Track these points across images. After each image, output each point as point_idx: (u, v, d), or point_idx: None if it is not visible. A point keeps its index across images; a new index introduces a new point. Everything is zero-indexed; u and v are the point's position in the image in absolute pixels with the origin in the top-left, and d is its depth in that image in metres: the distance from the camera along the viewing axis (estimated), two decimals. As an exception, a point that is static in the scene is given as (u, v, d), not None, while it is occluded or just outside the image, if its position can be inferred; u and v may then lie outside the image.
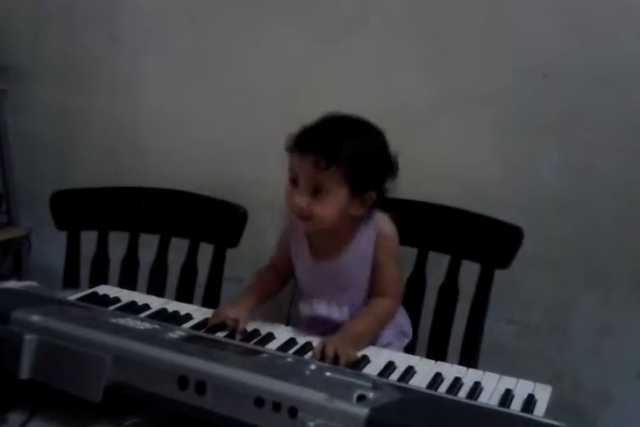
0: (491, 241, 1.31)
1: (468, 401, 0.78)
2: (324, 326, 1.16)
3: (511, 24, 1.39)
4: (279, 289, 1.25)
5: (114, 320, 0.94)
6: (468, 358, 1.29)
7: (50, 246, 2.06)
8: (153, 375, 0.80)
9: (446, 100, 1.46)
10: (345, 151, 1.06)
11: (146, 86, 1.82)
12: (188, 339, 0.91)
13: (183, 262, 1.43)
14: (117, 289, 1.26)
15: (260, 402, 0.74)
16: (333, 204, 1.08)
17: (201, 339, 0.93)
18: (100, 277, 1.48)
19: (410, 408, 0.70)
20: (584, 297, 1.45)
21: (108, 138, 1.89)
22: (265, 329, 1.10)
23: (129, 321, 0.94)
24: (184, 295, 1.42)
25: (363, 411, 0.67)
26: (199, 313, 1.13)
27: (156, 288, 1.44)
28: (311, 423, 0.68)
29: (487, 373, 0.94)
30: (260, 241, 1.61)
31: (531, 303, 1.50)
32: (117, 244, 1.52)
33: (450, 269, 1.35)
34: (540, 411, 0.82)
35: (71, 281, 1.50)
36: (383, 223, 1.15)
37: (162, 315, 1.12)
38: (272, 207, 1.71)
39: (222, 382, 0.76)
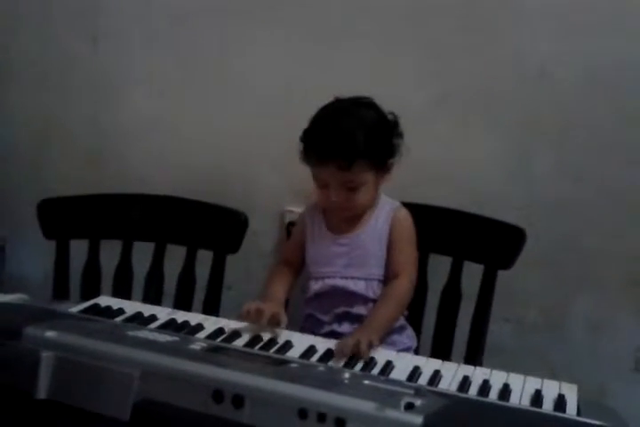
0: (493, 242, 1.32)
1: (513, 405, 0.79)
2: (340, 299, 1.17)
3: (507, 26, 1.40)
4: (295, 282, 1.26)
5: (132, 333, 0.90)
6: (474, 359, 1.30)
7: (25, 256, 1.99)
8: (185, 390, 0.77)
9: (442, 101, 1.47)
10: (359, 144, 1.10)
11: (128, 89, 1.76)
12: (212, 350, 0.88)
13: (181, 270, 1.40)
14: (118, 300, 1.21)
15: (303, 414, 0.72)
16: (368, 190, 1.15)
17: (224, 349, 0.91)
18: (92, 287, 1.43)
19: (460, 415, 0.70)
20: (579, 296, 1.47)
21: (89, 143, 1.83)
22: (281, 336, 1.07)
23: (147, 333, 0.91)
24: (182, 304, 1.38)
25: (416, 419, 0.66)
26: (209, 322, 1.10)
27: (153, 298, 1.40)
28: (364, 434, 0.67)
29: (512, 374, 0.94)
30: (250, 246, 1.58)
31: (527, 302, 1.52)
32: (107, 253, 1.48)
33: (452, 271, 1.36)
34: (572, 410, 0.83)
35: (61, 292, 1.45)
36: (399, 210, 1.22)
37: (172, 326, 1.08)
38: (263, 211, 1.69)
39: (261, 395, 0.74)
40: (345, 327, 1.18)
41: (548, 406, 0.84)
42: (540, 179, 1.45)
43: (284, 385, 0.74)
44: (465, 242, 1.34)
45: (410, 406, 0.69)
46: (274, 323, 1.05)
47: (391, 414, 0.68)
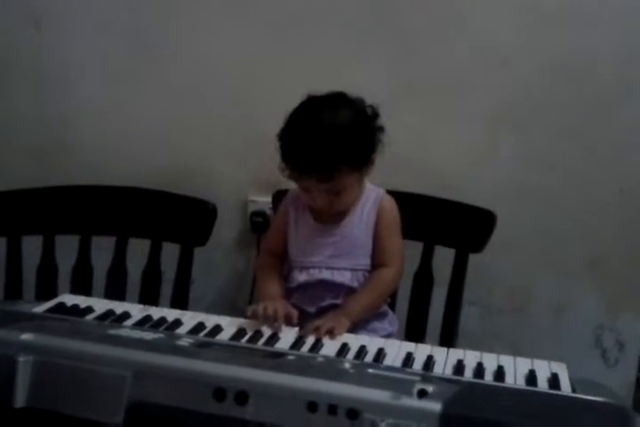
0: (464, 226, 1.33)
1: (520, 387, 0.79)
2: (326, 291, 1.15)
3: (470, 14, 1.41)
4: (283, 272, 1.22)
5: (113, 332, 0.85)
6: (448, 343, 1.30)
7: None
8: (183, 389, 0.74)
9: (407, 90, 1.46)
10: (339, 155, 1.06)
11: (76, 78, 1.65)
12: (202, 345, 0.85)
13: (145, 265, 1.34)
14: (84, 298, 1.13)
15: (313, 407, 0.70)
16: (352, 191, 1.13)
17: (214, 345, 0.87)
18: (48, 286, 1.35)
19: (476, 400, 0.69)
20: (542, 278, 1.51)
21: (34, 136, 1.70)
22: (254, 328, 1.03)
23: (129, 331, 0.87)
24: (148, 301, 1.32)
25: (435, 406, 0.65)
26: (187, 318, 1.04)
27: (116, 295, 1.33)
28: (382, 424, 0.65)
29: (501, 355, 0.95)
30: (211, 237, 1.53)
31: (492, 286, 1.54)
32: (62, 249, 1.40)
33: (424, 255, 1.36)
34: (567, 388, 0.84)
35: (13, 292, 1.35)
36: (385, 198, 1.20)
37: (148, 322, 1.02)
38: (224, 201, 1.63)
39: (267, 389, 0.71)
40: None
41: (543, 385, 0.85)
42: (506, 165, 1.47)
43: (290, 378, 0.72)
44: (436, 227, 1.34)
45: (423, 393, 0.68)
46: (288, 321, 1.03)
47: (407, 402, 0.66)
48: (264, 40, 1.54)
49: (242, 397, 0.72)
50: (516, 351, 1.51)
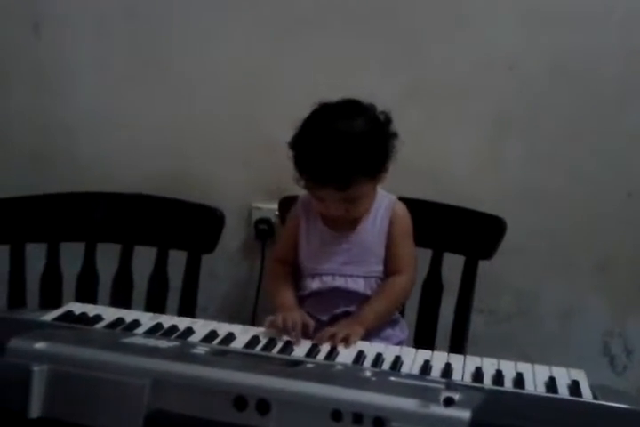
0: (473, 233, 1.32)
1: (546, 394, 0.78)
2: (339, 299, 1.13)
3: (477, 17, 1.41)
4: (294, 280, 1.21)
5: (128, 340, 0.83)
6: (458, 350, 1.29)
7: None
8: (202, 398, 0.72)
9: (412, 93, 1.46)
10: (355, 165, 1.05)
11: (75, 82, 1.64)
12: (219, 354, 0.83)
13: (152, 272, 1.32)
14: (92, 306, 1.12)
15: (337, 416, 0.68)
16: (367, 199, 1.12)
17: (231, 353, 0.86)
18: (52, 294, 1.32)
19: (503, 408, 0.68)
20: (550, 283, 1.51)
21: (31, 141, 1.68)
22: (267, 336, 1.02)
23: (144, 340, 0.85)
24: (155, 309, 1.30)
25: (464, 414, 0.64)
26: (198, 326, 1.03)
27: (121, 303, 1.31)
28: (411, 433, 0.64)
29: (519, 363, 0.94)
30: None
31: (499, 292, 1.54)
32: (67, 256, 1.38)
33: (432, 262, 1.35)
34: (588, 395, 0.84)
35: (17, 301, 1.33)
36: (397, 204, 1.19)
37: (160, 331, 1.01)
38: (228, 208, 1.60)
39: (290, 398, 0.70)
40: None
41: (563, 391, 0.84)
42: (512, 169, 1.47)
43: (313, 386, 0.70)
44: (445, 234, 1.33)
45: (450, 402, 0.67)
46: (304, 332, 1.02)
47: (436, 410, 0.65)
48: (267, 44, 1.53)
49: (263, 405, 0.70)
50: (523, 358, 1.51)
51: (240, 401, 0.71)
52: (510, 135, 1.46)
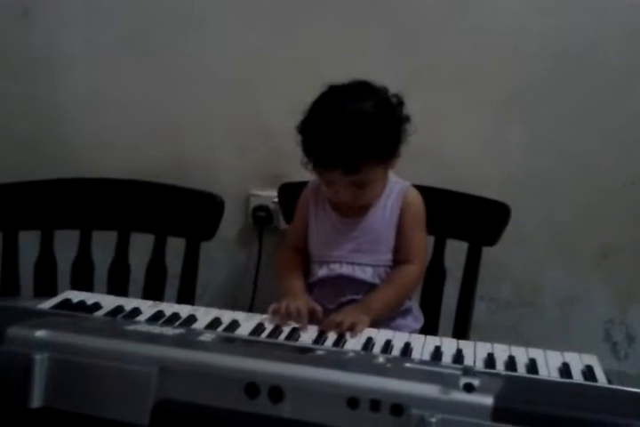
0: (477, 219, 1.30)
1: (565, 380, 0.76)
2: (346, 287, 1.11)
3: (480, 1, 1.38)
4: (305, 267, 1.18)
5: (132, 328, 0.80)
6: (462, 336, 1.27)
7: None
8: (212, 386, 0.69)
9: (415, 78, 1.43)
10: (365, 147, 1.02)
11: (67, 67, 1.60)
12: (226, 341, 0.80)
13: (149, 260, 1.29)
14: (90, 294, 1.08)
15: (353, 403, 0.66)
16: (377, 185, 1.09)
17: (238, 340, 0.83)
18: (47, 282, 1.29)
19: (522, 393, 0.66)
20: (552, 271, 1.49)
21: (24, 126, 1.64)
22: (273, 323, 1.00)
23: (148, 327, 0.81)
24: (152, 297, 1.26)
25: (487, 400, 0.62)
26: (200, 313, 1.00)
27: (118, 291, 1.28)
28: (432, 420, 0.61)
29: (530, 348, 0.93)
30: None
31: (501, 280, 1.52)
32: (62, 244, 1.34)
33: (435, 249, 1.33)
34: (603, 380, 0.82)
35: (11, 289, 1.30)
36: (410, 191, 1.16)
37: (161, 318, 0.97)
38: (226, 195, 1.57)
39: (304, 385, 0.67)
40: None
41: (578, 377, 0.83)
42: (515, 155, 1.45)
43: (328, 372, 0.68)
44: (449, 220, 1.31)
45: (470, 388, 0.65)
46: (312, 317, 0.99)
47: (458, 396, 0.63)
48: (266, 30, 1.49)
49: (276, 393, 0.68)
50: (525, 346, 1.50)
51: (252, 389, 0.68)
52: (514, 120, 1.44)
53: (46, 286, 1.28)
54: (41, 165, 1.62)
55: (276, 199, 1.51)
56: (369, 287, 1.11)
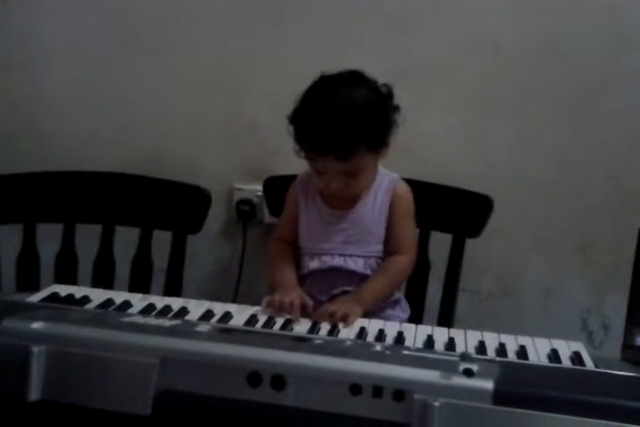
0: (461, 211, 1.33)
1: (558, 365, 0.79)
2: (338, 278, 1.12)
3: (464, 0, 1.40)
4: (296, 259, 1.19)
5: (128, 320, 0.80)
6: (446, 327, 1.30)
7: None
8: (214, 376, 0.70)
9: (400, 75, 1.41)
10: (356, 134, 1.04)
11: (47, 59, 1.56)
12: (224, 331, 0.81)
13: (135, 254, 1.28)
14: (77, 287, 1.07)
15: (356, 389, 0.67)
16: (367, 174, 1.10)
17: (235, 330, 0.83)
18: (29, 276, 1.27)
19: (520, 377, 0.68)
20: (532, 263, 1.52)
21: (3, 119, 1.61)
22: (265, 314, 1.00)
23: (144, 319, 0.82)
24: (138, 292, 1.25)
25: (487, 385, 0.64)
26: (192, 305, 1.00)
27: (103, 286, 1.27)
28: (435, 404, 0.63)
29: (519, 336, 0.95)
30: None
31: (482, 271, 1.55)
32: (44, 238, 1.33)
33: (420, 241, 1.34)
34: (590, 365, 0.85)
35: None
36: (399, 183, 1.17)
37: (154, 311, 0.97)
38: (208, 189, 1.58)
39: (306, 373, 0.68)
40: None
41: (566, 362, 0.85)
42: (495, 150, 1.47)
43: (329, 360, 0.69)
44: (432, 212, 1.33)
45: (470, 373, 0.66)
46: (303, 311, 1.00)
47: (459, 381, 0.64)
48: (251, 26, 1.49)
49: (278, 381, 0.68)
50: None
51: (254, 377, 0.69)
52: (496, 117, 1.46)
53: (29, 281, 1.26)
54: (22, 159, 1.59)
55: (260, 193, 1.52)
56: (360, 278, 1.12)
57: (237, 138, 1.56)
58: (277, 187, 1.40)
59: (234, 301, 1.61)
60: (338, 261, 1.12)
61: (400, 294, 1.22)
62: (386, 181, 1.15)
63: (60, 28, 1.54)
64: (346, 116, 1.02)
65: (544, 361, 0.86)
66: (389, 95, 1.11)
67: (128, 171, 1.40)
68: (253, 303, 1.07)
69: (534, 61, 1.41)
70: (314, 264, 1.12)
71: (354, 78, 1.09)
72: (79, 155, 1.56)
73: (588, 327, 1.55)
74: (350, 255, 1.12)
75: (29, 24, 1.55)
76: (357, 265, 1.12)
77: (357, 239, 1.13)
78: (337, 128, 1.01)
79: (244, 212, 1.57)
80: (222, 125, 1.54)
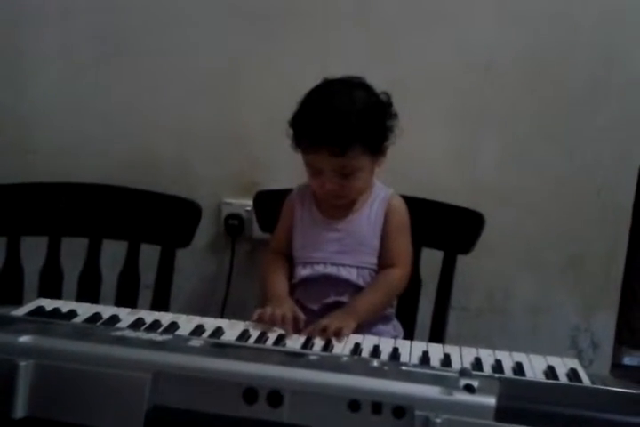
0: (453, 228, 1.32)
1: (557, 382, 0.78)
2: (330, 287, 1.11)
3: (454, 17, 1.42)
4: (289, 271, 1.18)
5: (119, 334, 0.78)
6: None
7: None
8: (209, 392, 0.68)
9: (390, 89, 1.43)
10: (352, 128, 1.05)
11: (33, 67, 1.55)
12: (217, 346, 0.79)
13: (122, 268, 1.25)
14: (63, 301, 1.04)
15: (355, 405, 0.65)
16: (363, 176, 1.10)
17: (229, 346, 0.81)
18: (12, 290, 1.24)
19: (521, 393, 0.67)
20: (520, 280, 1.52)
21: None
22: (257, 330, 0.97)
23: (135, 333, 0.79)
24: (125, 306, 1.23)
25: (489, 401, 0.63)
26: (182, 320, 0.98)
27: (89, 300, 1.23)
28: (437, 420, 0.61)
29: (513, 352, 0.94)
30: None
31: (470, 289, 1.54)
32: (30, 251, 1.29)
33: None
34: (587, 382, 0.84)
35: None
36: (394, 198, 1.18)
37: (142, 325, 0.94)
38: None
39: (304, 389, 0.66)
40: None
41: (563, 379, 0.84)
42: (485, 167, 1.48)
43: (327, 375, 0.67)
44: (423, 229, 1.32)
45: (471, 389, 0.65)
46: (295, 325, 0.98)
47: (461, 397, 0.63)
48: (242, 39, 1.49)
49: (275, 397, 0.67)
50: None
51: (250, 393, 0.67)
52: (485, 132, 1.47)
53: (12, 295, 1.23)
54: (7, 170, 1.55)
55: (250, 208, 1.51)
56: (353, 289, 1.11)
57: (227, 152, 1.55)
58: (267, 201, 1.39)
59: (221, 316, 1.59)
60: (331, 270, 1.11)
61: (392, 311, 1.21)
62: (381, 196, 1.16)
63: (48, 38, 1.53)
64: (343, 113, 1.05)
65: (541, 378, 0.85)
66: (388, 102, 1.12)
67: (115, 183, 1.39)
68: (241, 319, 1.05)
69: (524, 78, 1.43)
70: (306, 271, 1.12)
71: (355, 82, 1.12)
72: (65, 166, 1.54)
73: (578, 346, 1.55)
74: (343, 265, 1.11)
75: (17, 34, 1.53)
76: (351, 275, 1.11)
77: (351, 249, 1.12)
78: (333, 123, 1.04)
79: (233, 226, 1.55)
80: (212, 139, 1.53)
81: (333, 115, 1.04)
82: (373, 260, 1.13)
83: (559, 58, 1.40)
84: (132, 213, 1.27)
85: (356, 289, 1.11)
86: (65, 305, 1.01)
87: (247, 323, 0.99)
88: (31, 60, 1.55)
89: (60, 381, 0.69)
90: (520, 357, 0.92)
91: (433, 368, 0.75)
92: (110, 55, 1.51)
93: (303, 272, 1.12)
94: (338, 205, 1.13)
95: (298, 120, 1.08)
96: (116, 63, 1.51)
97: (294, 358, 0.75)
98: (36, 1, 1.51)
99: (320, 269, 1.11)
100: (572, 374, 0.86)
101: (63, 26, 1.51)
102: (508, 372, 0.86)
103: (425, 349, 0.92)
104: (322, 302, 1.11)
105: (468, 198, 1.46)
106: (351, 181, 1.08)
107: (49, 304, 1.01)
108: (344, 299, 1.11)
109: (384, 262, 1.13)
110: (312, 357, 0.77)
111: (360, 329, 1.04)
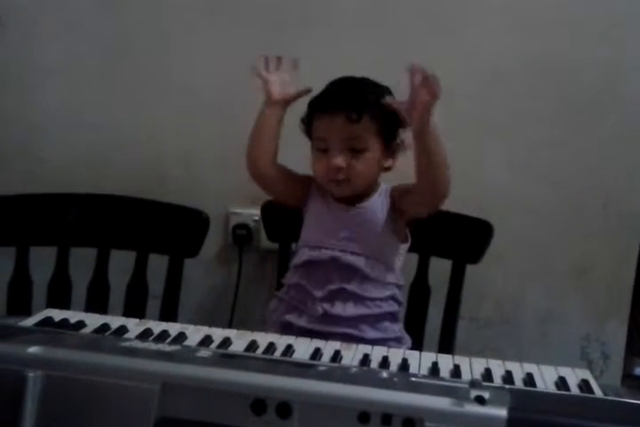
0: (461, 237, 1.32)
1: (569, 393, 0.77)
2: (337, 272, 1.11)
3: (462, 24, 1.42)
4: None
5: (127, 344, 0.78)
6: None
7: None
8: (217, 403, 0.67)
9: (395, 97, 1.45)
10: (371, 101, 1.09)
11: (40, 80, 1.56)
12: (226, 357, 0.78)
13: (130, 278, 1.25)
14: (71, 312, 1.04)
15: (364, 417, 0.65)
16: (370, 160, 1.11)
17: (238, 357, 0.81)
18: (21, 301, 1.24)
19: (532, 405, 0.66)
20: (530, 289, 1.52)
21: (-3, 141, 1.60)
22: (266, 340, 0.97)
23: (144, 344, 0.79)
24: (133, 317, 1.23)
25: (501, 412, 0.62)
26: (190, 331, 0.98)
27: (97, 311, 1.24)
28: (448, 432, 0.61)
29: (524, 363, 0.93)
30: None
31: (480, 298, 1.53)
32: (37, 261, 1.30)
33: (419, 267, 1.34)
34: (599, 393, 0.83)
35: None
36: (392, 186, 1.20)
37: (151, 336, 0.94)
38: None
39: (313, 400, 0.66)
40: (337, 309, 1.10)
41: (575, 390, 0.83)
42: (492, 176, 1.48)
43: (338, 387, 0.66)
44: (432, 238, 1.32)
45: (482, 400, 0.64)
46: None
47: (472, 408, 0.62)
48: (250, 46, 1.49)
49: (284, 409, 0.66)
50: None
51: (259, 405, 0.66)
52: (492, 140, 1.47)
53: (20, 306, 1.24)
54: (16, 181, 1.57)
55: (257, 217, 1.51)
56: (361, 277, 1.10)
57: (234, 161, 1.53)
58: (275, 211, 1.39)
59: (229, 326, 1.59)
60: (339, 255, 1.10)
61: (399, 309, 1.20)
62: (384, 191, 1.18)
63: (55, 50, 1.55)
64: (360, 85, 1.12)
65: (552, 389, 0.84)
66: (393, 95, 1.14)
67: (123, 193, 1.39)
68: (249, 329, 1.04)
69: (532, 87, 1.43)
70: (313, 253, 1.11)
71: (367, 78, 1.16)
72: (74, 177, 1.55)
73: (588, 356, 1.53)
74: (352, 252, 1.11)
75: (26, 46, 1.55)
76: (359, 262, 1.10)
77: (361, 238, 1.12)
78: (351, 90, 1.11)
79: (241, 236, 1.55)
80: (219, 149, 1.54)
81: (351, 85, 1.13)
82: (380, 252, 1.13)
83: (566, 65, 1.40)
84: (141, 224, 1.27)
85: (362, 277, 1.10)
86: (73, 316, 1.01)
87: (255, 334, 0.98)
88: (39, 73, 1.57)
89: (69, 392, 0.69)
90: (531, 367, 0.91)
91: (443, 379, 0.75)
92: (116, 69, 1.53)
93: (310, 253, 1.12)
94: (348, 197, 1.14)
95: (315, 98, 1.14)
96: (122, 77, 1.53)
97: (303, 369, 0.74)
98: (43, 17, 1.53)
99: (328, 252, 1.11)
100: (584, 386, 0.85)
101: (68, 39, 1.53)
102: (519, 383, 0.85)
103: (434, 359, 0.92)
104: (327, 288, 1.10)
105: (475, 207, 1.46)
106: (357, 158, 1.09)
107: (57, 315, 1.01)
108: (350, 287, 1.10)
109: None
110: (321, 368, 0.76)
111: (365, 323, 1.06)
